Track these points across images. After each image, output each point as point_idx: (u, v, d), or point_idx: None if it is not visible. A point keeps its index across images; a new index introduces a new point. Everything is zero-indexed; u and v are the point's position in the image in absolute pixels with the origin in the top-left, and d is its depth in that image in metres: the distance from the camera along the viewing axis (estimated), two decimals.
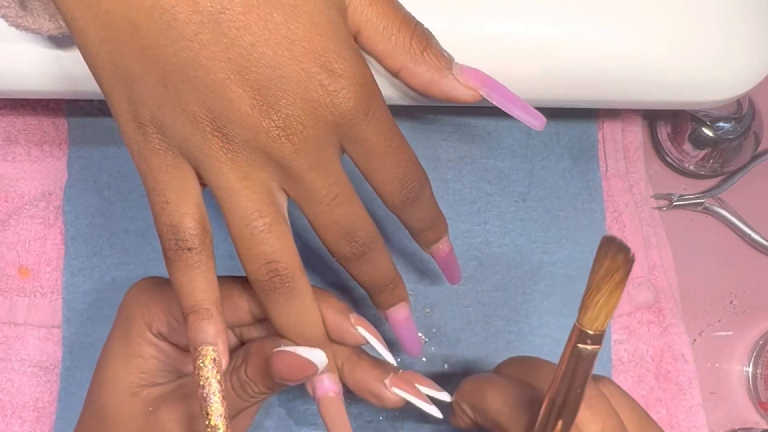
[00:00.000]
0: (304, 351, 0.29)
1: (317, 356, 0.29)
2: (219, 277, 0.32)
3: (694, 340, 0.47)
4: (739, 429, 0.46)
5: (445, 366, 0.43)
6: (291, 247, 0.29)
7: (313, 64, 0.26)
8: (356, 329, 0.31)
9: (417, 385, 0.32)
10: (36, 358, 0.43)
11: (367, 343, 0.32)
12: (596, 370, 0.43)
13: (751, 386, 0.46)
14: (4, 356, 0.43)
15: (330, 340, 0.32)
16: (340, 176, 0.29)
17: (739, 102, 0.45)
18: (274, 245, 0.28)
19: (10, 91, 0.34)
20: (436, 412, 0.33)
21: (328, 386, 0.31)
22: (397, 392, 0.32)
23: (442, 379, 0.43)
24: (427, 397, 0.33)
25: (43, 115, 0.45)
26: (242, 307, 0.32)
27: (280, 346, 0.30)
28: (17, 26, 0.30)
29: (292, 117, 0.26)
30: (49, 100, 0.45)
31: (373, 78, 0.28)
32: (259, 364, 0.30)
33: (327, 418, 0.31)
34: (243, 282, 0.32)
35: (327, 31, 0.26)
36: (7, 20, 0.29)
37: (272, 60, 0.26)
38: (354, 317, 0.31)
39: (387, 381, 0.32)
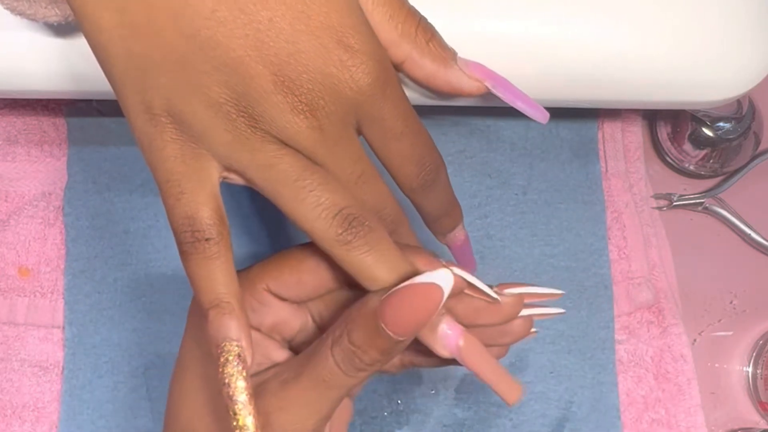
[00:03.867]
0: (423, 277, 0.25)
1: (441, 275, 0.25)
2: (294, 247, 0.30)
3: (694, 340, 0.47)
4: (739, 429, 0.46)
5: None
6: (350, 193, 0.27)
7: (330, 39, 0.26)
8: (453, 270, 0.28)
9: (524, 289, 0.30)
10: (36, 358, 0.43)
11: (468, 285, 0.28)
12: (598, 371, 0.43)
13: (751, 386, 0.46)
14: (4, 356, 0.43)
15: None
16: (362, 154, 0.28)
17: (739, 102, 0.45)
18: (336, 192, 0.27)
19: (10, 91, 0.34)
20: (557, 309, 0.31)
21: (453, 334, 0.27)
22: (511, 292, 0.29)
23: (447, 372, 0.43)
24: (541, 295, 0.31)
25: (43, 115, 0.45)
26: (324, 269, 0.29)
27: (385, 294, 0.26)
28: (12, 10, 0.29)
29: (314, 92, 0.26)
30: (48, 100, 0.45)
31: (388, 56, 0.28)
32: (366, 323, 0.26)
33: (477, 368, 0.27)
34: (314, 247, 0.29)
35: (342, 7, 0.26)
36: (2, 4, 0.29)
37: (291, 35, 0.25)
38: (446, 261, 0.29)
39: (495, 295, 0.29)
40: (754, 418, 0.46)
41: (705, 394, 0.45)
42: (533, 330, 0.31)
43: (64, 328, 0.43)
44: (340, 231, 0.26)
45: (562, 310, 0.31)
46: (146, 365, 0.43)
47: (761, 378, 0.45)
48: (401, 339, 0.26)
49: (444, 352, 0.28)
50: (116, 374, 0.43)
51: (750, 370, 0.46)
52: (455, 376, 0.43)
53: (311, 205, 0.26)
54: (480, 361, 0.28)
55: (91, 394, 0.42)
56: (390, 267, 0.27)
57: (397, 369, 0.32)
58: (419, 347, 0.29)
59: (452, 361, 0.29)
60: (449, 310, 0.28)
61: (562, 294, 0.31)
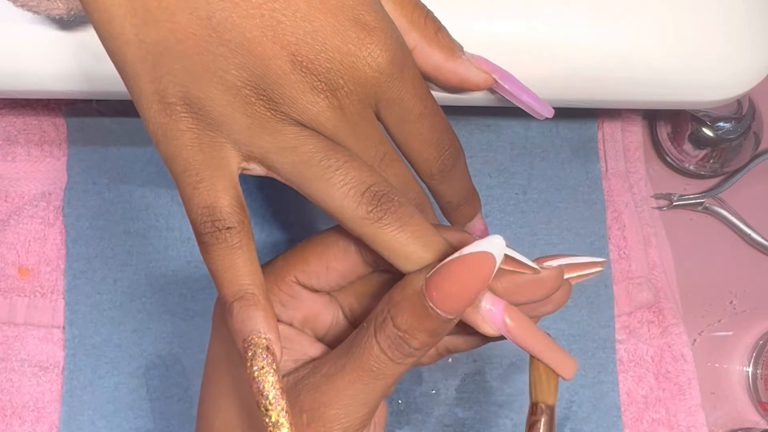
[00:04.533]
0: (474, 246, 0.24)
1: (493, 243, 0.24)
2: (317, 234, 0.29)
3: (694, 340, 0.47)
4: (739, 429, 0.46)
5: (450, 360, 0.43)
6: (376, 171, 0.26)
7: (346, 17, 0.25)
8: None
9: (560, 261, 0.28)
10: (36, 358, 0.43)
11: (506, 259, 0.27)
12: (599, 370, 0.43)
13: (751, 386, 0.46)
14: (4, 356, 0.43)
15: None
16: (383, 137, 0.28)
17: (739, 102, 0.45)
18: (362, 170, 0.26)
19: (10, 91, 0.34)
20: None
21: (497, 310, 0.26)
22: (550, 264, 0.27)
23: (448, 372, 0.43)
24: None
25: (43, 115, 0.45)
26: (353, 252, 0.28)
27: (430, 271, 0.25)
28: (15, 1, 0.28)
29: (333, 71, 0.25)
30: (48, 100, 0.45)
31: (402, 37, 0.28)
32: (412, 304, 0.25)
33: (527, 344, 0.26)
34: (341, 230, 0.28)
35: None
36: None
37: (306, 14, 0.25)
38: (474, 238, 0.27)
39: (536, 266, 0.27)
40: (754, 418, 0.46)
41: (705, 394, 0.45)
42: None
43: (64, 328, 0.43)
44: (370, 208, 0.25)
45: (603, 259, 0.29)
46: (147, 366, 0.43)
47: (761, 378, 0.45)
48: (451, 317, 0.25)
49: (490, 330, 0.26)
50: (117, 375, 0.43)
51: (750, 370, 0.46)
52: (456, 376, 0.43)
53: (338, 184, 0.25)
54: (530, 337, 0.26)
55: (91, 395, 0.42)
56: (425, 243, 0.26)
57: (433, 359, 0.30)
58: (455, 330, 0.27)
59: (491, 339, 0.28)
60: (488, 288, 0.27)
61: (605, 262, 0.29)
